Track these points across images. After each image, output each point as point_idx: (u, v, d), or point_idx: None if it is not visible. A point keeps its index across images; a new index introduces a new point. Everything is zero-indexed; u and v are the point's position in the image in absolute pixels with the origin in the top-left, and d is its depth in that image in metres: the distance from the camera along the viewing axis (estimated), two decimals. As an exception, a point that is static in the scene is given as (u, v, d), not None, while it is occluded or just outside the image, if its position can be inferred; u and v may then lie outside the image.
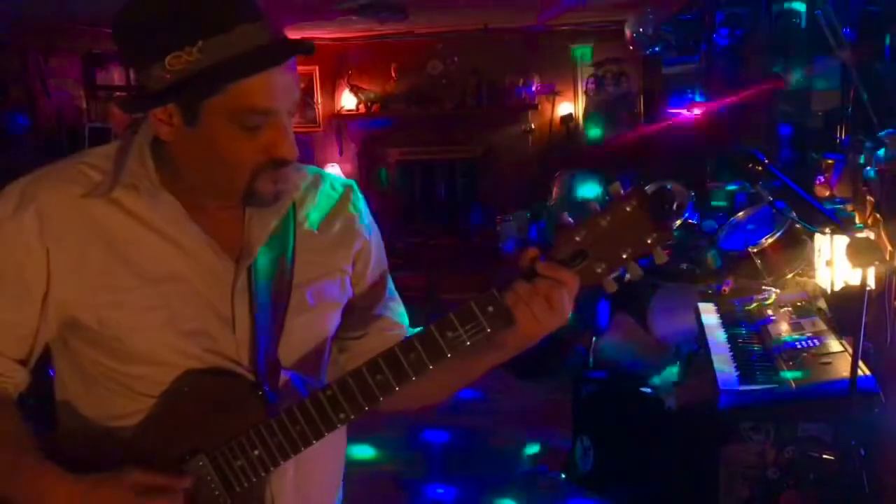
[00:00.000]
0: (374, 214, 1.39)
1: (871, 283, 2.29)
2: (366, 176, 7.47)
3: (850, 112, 3.21)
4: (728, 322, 2.99)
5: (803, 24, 3.95)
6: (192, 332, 1.17)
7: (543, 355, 4.86)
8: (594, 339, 4.03)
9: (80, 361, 1.20)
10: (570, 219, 1.11)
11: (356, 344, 1.35)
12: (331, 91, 7.45)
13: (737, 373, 2.51)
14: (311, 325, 1.26)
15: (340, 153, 7.58)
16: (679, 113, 5.80)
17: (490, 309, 1.11)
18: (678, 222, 4.25)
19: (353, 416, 1.15)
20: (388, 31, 6.59)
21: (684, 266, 4.11)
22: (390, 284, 1.40)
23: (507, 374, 4.93)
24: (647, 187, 1.11)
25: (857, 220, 2.75)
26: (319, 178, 1.31)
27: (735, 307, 3.12)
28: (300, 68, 1.19)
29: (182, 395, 1.16)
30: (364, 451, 4.00)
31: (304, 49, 1.11)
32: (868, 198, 2.68)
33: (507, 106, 7.12)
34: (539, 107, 7.14)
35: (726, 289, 3.31)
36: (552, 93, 7.09)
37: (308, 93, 7.49)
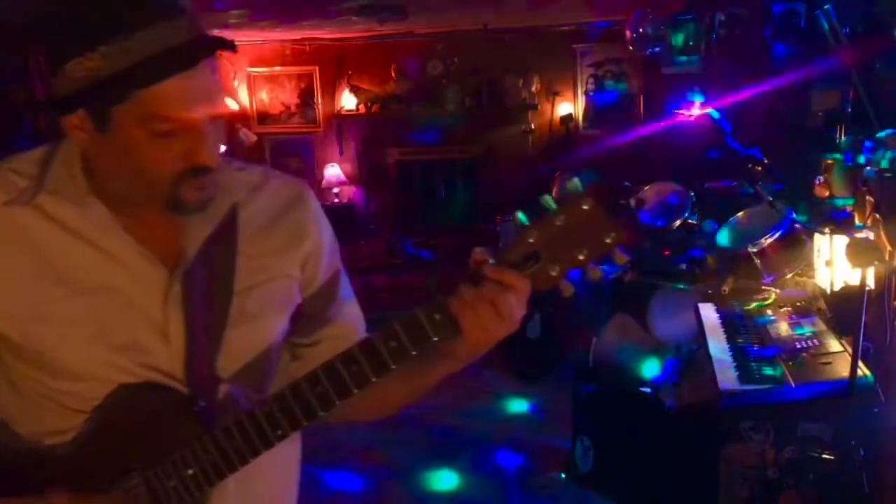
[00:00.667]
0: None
1: (871, 283, 2.29)
2: (366, 176, 7.47)
3: (850, 112, 3.21)
4: (728, 322, 2.99)
5: (803, 24, 3.95)
6: (124, 346, 1.11)
7: (543, 355, 4.87)
8: (594, 339, 4.03)
9: (12, 375, 1.16)
10: (524, 218, 1.05)
11: (309, 351, 1.29)
12: (331, 91, 7.45)
13: (737, 373, 2.52)
14: (253, 333, 1.19)
15: (340, 153, 7.58)
16: (679, 113, 5.79)
17: (436, 317, 1.06)
18: (678, 222, 4.25)
19: (291, 432, 1.10)
20: (388, 31, 6.59)
21: (684, 266, 4.11)
22: (345, 288, 1.33)
23: (507, 374, 4.95)
24: (604, 184, 1.05)
25: (857, 220, 2.75)
26: (267, 179, 1.25)
27: (735, 307, 3.13)
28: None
29: (115, 412, 1.11)
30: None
31: (220, 47, 1.04)
32: (868, 198, 2.68)
33: (507, 106, 7.12)
34: (539, 107, 7.14)
35: (726, 289, 3.31)
36: (552, 93, 7.10)
37: (308, 93, 7.49)
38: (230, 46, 1.05)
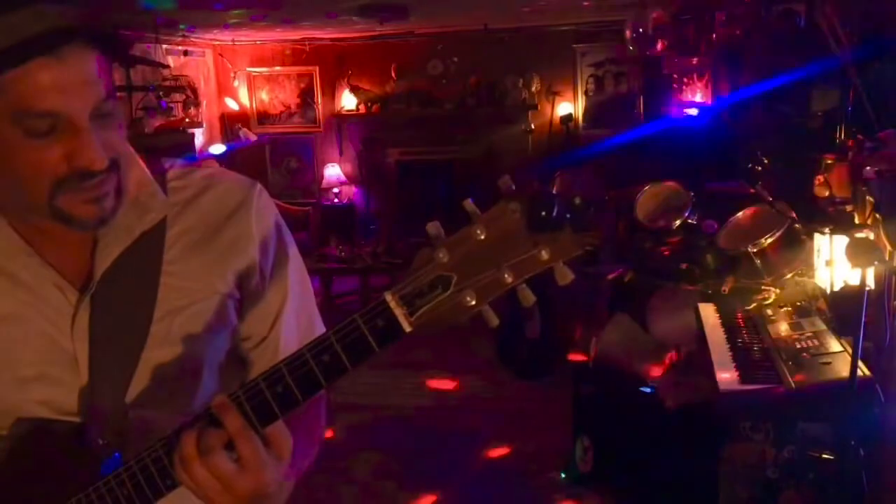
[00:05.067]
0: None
1: (871, 283, 2.29)
2: (366, 176, 7.47)
3: (850, 112, 3.21)
4: (728, 322, 2.99)
5: (803, 23, 3.96)
6: (31, 378, 1.03)
7: (543, 355, 4.87)
8: (593, 339, 4.02)
9: None
10: (435, 230, 0.83)
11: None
12: (331, 91, 7.46)
13: (737, 373, 2.52)
14: (180, 357, 1.08)
15: (340, 153, 7.59)
16: (679, 113, 5.81)
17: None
18: (678, 222, 4.24)
19: (180, 483, 0.95)
20: (388, 31, 6.59)
21: (684, 266, 4.11)
22: (294, 305, 1.16)
23: (507, 374, 4.95)
24: (537, 186, 0.82)
25: (857, 220, 2.75)
26: (209, 185, 1.12)
27: (735, 307, 3.13)
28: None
29: (11, 451, 1.02)
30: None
31: (94, 38, 0.94)
32: (868, 198, 2.68)
33: (507, 106, 7.13)
34: (539, 107, 7.14)
35: (726, 289, 3.31)
36: (552, 93, 7.11)
37: (308, 93, 7.50)
38: (106, 40, 0.95)
